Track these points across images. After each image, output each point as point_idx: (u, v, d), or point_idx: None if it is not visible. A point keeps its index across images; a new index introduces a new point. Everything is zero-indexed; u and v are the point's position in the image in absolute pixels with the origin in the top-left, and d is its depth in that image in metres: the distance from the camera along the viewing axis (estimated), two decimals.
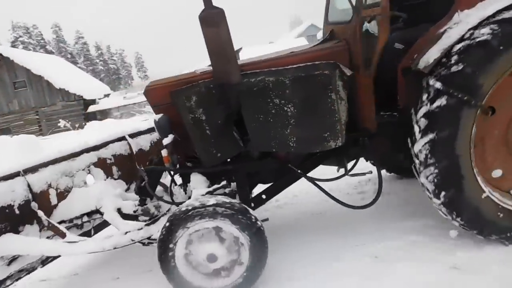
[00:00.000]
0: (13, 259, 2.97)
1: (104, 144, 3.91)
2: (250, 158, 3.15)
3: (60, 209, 3.30)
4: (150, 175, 3.30)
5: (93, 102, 28.36)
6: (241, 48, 29.30)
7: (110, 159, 3.89)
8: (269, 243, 2.68)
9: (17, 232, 2.98)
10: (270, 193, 3.21)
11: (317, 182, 3.11)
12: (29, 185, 3.11)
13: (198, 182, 3.01)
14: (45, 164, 3.34)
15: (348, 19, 2.96)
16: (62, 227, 3.08)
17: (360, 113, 2.89)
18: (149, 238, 3.02)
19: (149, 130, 4.39)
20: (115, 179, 3.88)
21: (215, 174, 3.10)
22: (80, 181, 3.57)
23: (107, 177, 3.81)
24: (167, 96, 2.95)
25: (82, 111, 27.15)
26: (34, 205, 3.13)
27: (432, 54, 2.53)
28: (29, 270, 3.06)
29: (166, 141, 2.92)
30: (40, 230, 3.17)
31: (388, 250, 2.95)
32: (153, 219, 3.17)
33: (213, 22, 2.57)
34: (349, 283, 2.64)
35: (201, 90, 2.85)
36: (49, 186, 3.28)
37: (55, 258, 3.24)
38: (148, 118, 14.46)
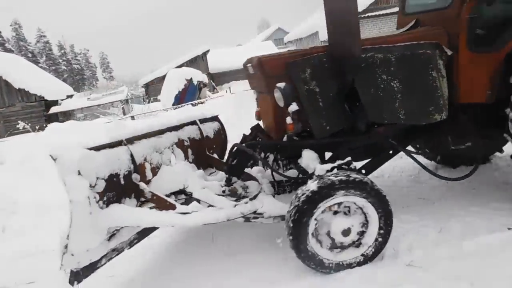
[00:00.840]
0: (112, 234, 2.72)
1: (181, 126, 3.77)
2: (353, 133, 3.18)
3: (152, 185, 3.10)
4: (241, 154, 3.26)
5: (55, 103, 26.75)
6: (208, 50, 29.39)
7: (187, 142, 3.75)
8: None
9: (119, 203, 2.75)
10: (369, 169, 3.27)
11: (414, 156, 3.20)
12: (132, 155, 2.90)
13: (310, 158, 2.98)
14: (139, 137, 3.15)
15: (440, 7, 3.32)
16: (171, 200, 2.89)
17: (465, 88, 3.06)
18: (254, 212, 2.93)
19: (212, 119, 4.29)
20: (190, 162, 3.73)
21: (319, 148, 3.10)
22: (166, 160, 3.39)
23: (184, 159, 3.65)
24: (281, 68, 3.01)
25: (43, 112, 25.44)
26: (135, 177, 2.92)
27: None
28: (122, 248, 2.81)
29: (292, 108, 2.90)
30: (140, 204, 2.96)
31: None
32: (254, 195, 3.09)
33: None
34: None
35: (315, 62, 2.94)
36: (145, 159, 3.09)
37: (141, 238, 3.01)
38: (112, 120, 13.85)
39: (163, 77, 20.57)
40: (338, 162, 2.81)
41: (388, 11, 17.70)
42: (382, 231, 2.68)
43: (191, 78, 18.96)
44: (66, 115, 24.96)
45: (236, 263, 3.10)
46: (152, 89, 26.93)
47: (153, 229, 3.12)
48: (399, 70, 2.75)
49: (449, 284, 2.44)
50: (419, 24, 3.61)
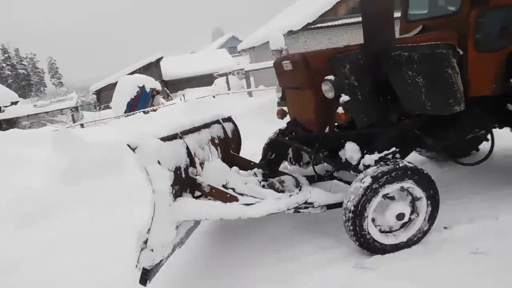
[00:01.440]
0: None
1: (211, 124, 3.81)
2: (383, 125, 3.42)
3: (199, 180, 3.11)
4: (279, 147, 3.37)
5: None
6: (162, 57, 28.92)
7: (216, 139, 3.79)
8: None
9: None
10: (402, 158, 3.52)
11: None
12: (187, 148, 2.91)
13: (353, 150, 3.18)
14: (187, 132, 3.16)
15: (447, 13, 3.77)
16: (233, 192, 2.93)
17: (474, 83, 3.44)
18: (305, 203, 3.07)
19: (228, 119, 4.36)
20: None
21: (359, 139, 3.30)
22: (206, 156, 3.41)
23: (217, 156, 3.69)
24: (325, 63, 3.27)
25: None
26: (192, 170, 2.93)
27: None
28: (180, 244, 2.79)
29: (344, 98, 3.09)
30: (196, 197, 2.96)
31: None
32: (299, 187, 3.23)
33: None
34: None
35: (352, 58, 3.18)
36: (195, 154, 3.10)
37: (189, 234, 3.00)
38: (58, 128, 13.05)
39: (115, 84, 19.89)
40: (385, 152, 3.04)
41: (335, 22, 18.68)
42: (430, 214, 2.95)
43: (144, 85, 18.55)
44: (10, 123, 22.97)
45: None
46: (104, 96, 25.80)
47: (198, 223, 3.12)
48: (422, 67, 3.06)
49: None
50: (426, 29, 4.01)
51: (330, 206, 3.17)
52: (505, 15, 3.54)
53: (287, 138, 3.77)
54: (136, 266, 2.35)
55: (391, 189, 2.81)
